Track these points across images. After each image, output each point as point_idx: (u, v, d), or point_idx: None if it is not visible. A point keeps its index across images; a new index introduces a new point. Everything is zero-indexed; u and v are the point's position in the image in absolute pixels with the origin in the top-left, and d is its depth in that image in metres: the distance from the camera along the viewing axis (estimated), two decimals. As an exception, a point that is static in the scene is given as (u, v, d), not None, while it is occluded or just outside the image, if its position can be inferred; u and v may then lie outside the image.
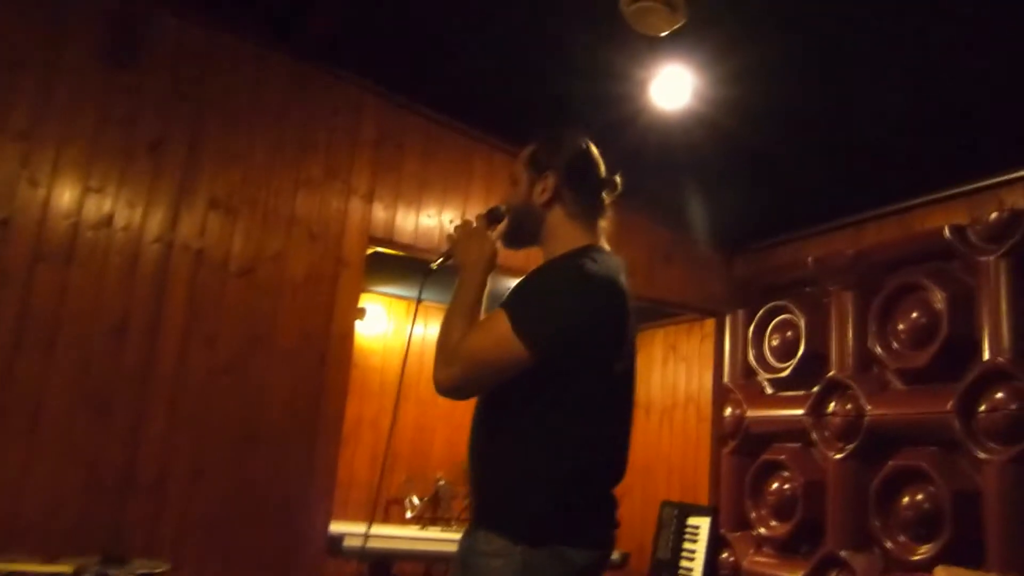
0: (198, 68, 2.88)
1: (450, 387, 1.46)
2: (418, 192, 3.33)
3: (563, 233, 1.62)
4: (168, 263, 2.73)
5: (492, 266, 1.61)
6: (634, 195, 3.86)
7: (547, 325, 1.42)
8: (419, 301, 1.84)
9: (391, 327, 4.84)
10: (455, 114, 3.42)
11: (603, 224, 1.68)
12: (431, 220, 3.29)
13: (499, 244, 1.65)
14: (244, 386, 2.83)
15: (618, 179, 1.68)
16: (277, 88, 3.03)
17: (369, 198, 3.19)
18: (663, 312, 4.49)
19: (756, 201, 3.74)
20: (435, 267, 1.72)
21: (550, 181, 1.63)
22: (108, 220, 2.65)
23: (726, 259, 4.29)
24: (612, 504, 1.52)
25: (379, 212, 3.21)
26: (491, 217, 1.70)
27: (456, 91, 3.27)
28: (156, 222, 2.73)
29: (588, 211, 1.65)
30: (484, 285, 1.59)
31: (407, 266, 3.66)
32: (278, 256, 2.95)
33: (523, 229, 1.66)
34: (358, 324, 3.30)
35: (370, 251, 3.21)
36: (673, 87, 2.93)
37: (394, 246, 3.21)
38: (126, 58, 2.72)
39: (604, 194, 1.67)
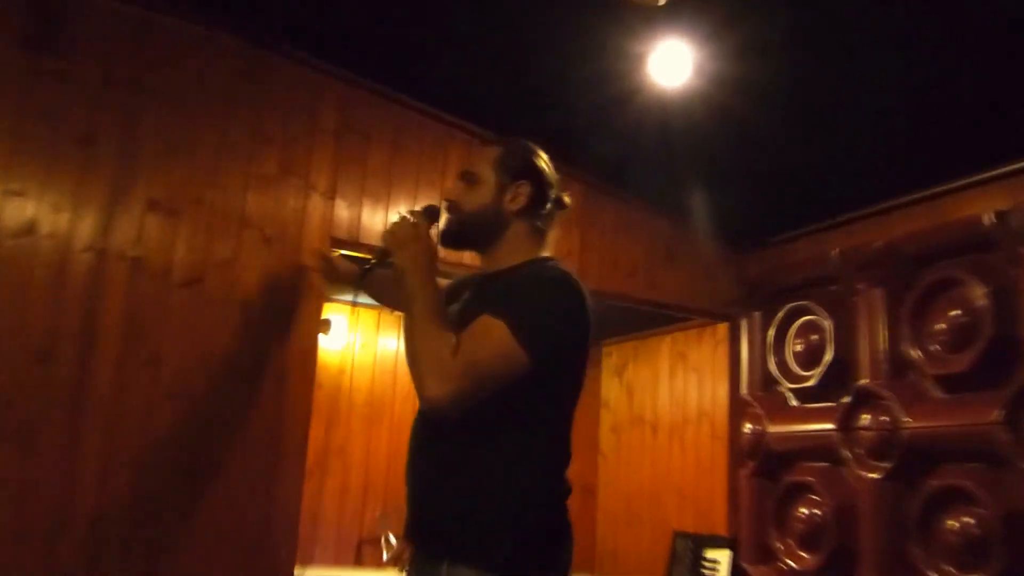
0: (133, 52, 2.85)
1: (450, 403, 1.53)
2: (386, 187, 3.31)
3: (524, 243, 1.84)
4: (101, 274, 2.71)
5: (436, 267, 1.73)
6: (631, 185, 3.95)
7: (547, 333, 1.61)
8: (354, 304, 1.94)
9: (359, 340, 4.82)
10: (427, 99, 3.41)
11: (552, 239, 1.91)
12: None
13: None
14: (192, 413, 2.80)
15: (567, 199, 1.94)
16: (224, 73, 3.01)
17: (331, 195, 3.18)
18: (669, 317, 4.50)
19: (770, 189, 3.74)
20: (372, 266, 1.85)
21: (525, 189, 1.85)
22: (30, 227, 2.62)
23: (738, 255, 4.30)
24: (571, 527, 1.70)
25: (342, 211, 3.19)
26: (429, 215, 1.84)
27: (428, 73, 3.26)
28: (86, 228, 2.70)
29: (548, 225, 1.89)
30: (438, 288, 1.70)
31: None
32: (228, 263, 2.93)
33: (480, 232, 1.85)
34: (322, 338, 3.28)
35: (333, 254, 3.19)
36: (672, 63, 2.93)
37: (360, 248, 3.19)
38: (49, 42, 2.71)
39: (556, 212, 1.91)
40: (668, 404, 4.78)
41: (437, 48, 3.10)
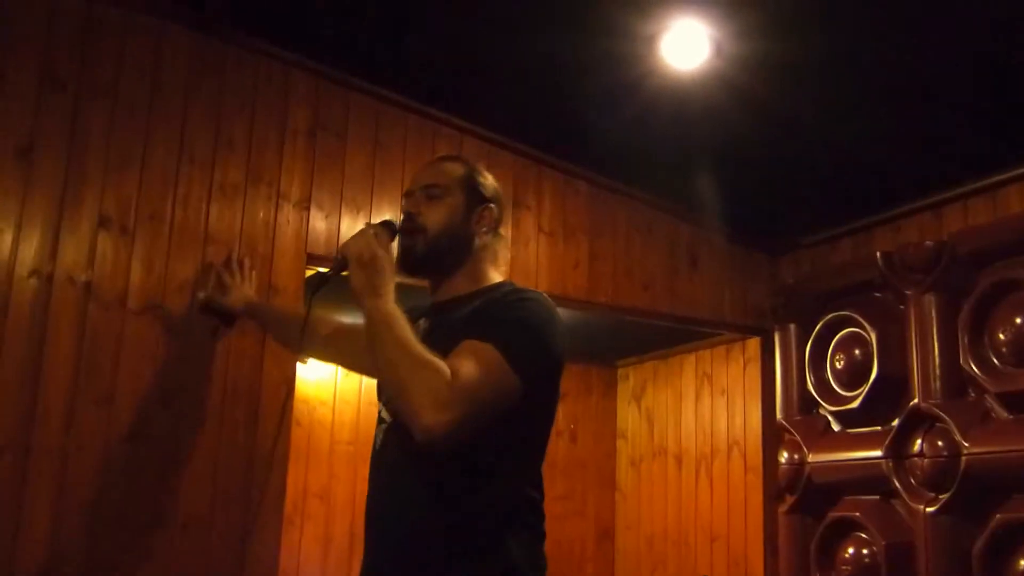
0: (75, 49, 2.86)
1: (448, 433, 1.59)
2: (366, 193, 3.32)
3: (485, 271, 1.99)
4: (48, 302, 2.70)
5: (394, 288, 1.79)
6: (645, 183, 3.97)
7: (536, 356, 1.75)
8: (307, 317, 2.06)
9: (342, 370, 4.81)
10: (411, 91, 3.41)
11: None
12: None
13: None
14: (152, 457, 2.79)
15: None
16: (179, 69, 3.02)
17: (304, 205, 3.18)
18: (692, 333, 4.50)
19: (804, 183, 3.74)
20: (325, 280, 1.90)
21: (492, 212, 2.01)
22: (-34, 250, 2.62)
23: (770, 260, 4.30)
24: None
25: (318, 222, 3.19)
26: (389, 230, 1.90)
27: (413, 60, 3.27)
28: (30, 250, 2.70)
29: (503, 253, 2.07)
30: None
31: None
32: (190, 286, 2.93)
33: (447, 255, 1.96)
34: (300, 368, 3.28)
35: (309, 272, 3.19)
36: (688, 44, 2.94)
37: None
38: None
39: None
40: (693, 432, 4.79)
41: (420, 31, 3.10)
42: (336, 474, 4.66)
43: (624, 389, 5.58)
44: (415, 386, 1.61)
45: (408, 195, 2.04)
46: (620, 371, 5.65)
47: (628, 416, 5.49)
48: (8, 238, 2.68)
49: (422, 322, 2.00)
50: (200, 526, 2.81)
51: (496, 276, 2.02)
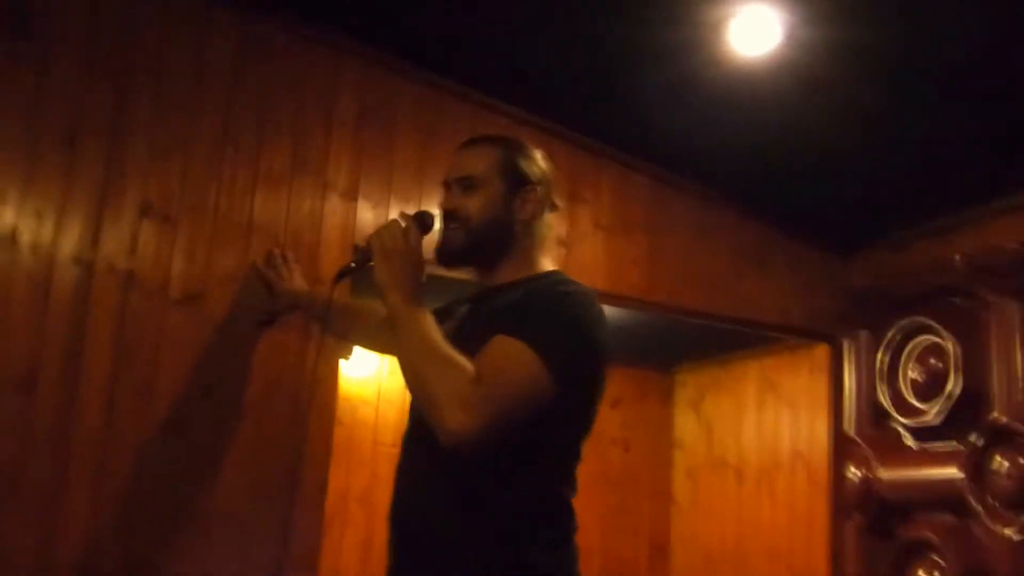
0: (120, 34, 2.97)
1: (475, 437, 1.62)
2: (417, 183, 3.41)
3: (532, 257, 2.01)
4: (89, 290, 2.83)
5: (423, 285, 1.84)
6: (710, 178, 3.99)
7: (573, 356, 1.74)
8: (329, 305, 2.13)
9: (387, 367, 4.90)
10: (464, 77, 3.49)
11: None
12: (436, 219, 3.38)
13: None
14: (192, 451, 2.91)
15: (558, 201, 2.12)
16: (225, 56, 3.13)
17: (352, 195, 3.28)
18: (755, 337, 4.51)
19: (879, 178, 3.74)
20: (348, 270, 1.98)
21: (534, 195, 2.01)
22: (11, 237, 2.75)
23: (841, 261, 4.31)
24: None
25: (366, 213, 3.28)
26: (421, 223, 1.94)
27: (466, 45, 3.34)
28: (73, 237, 2.83)
29: (549, 234, 2.07)
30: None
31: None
32: (234, 276, 3.03)
33: (490, 246, 1.99)
34: (343, 364, 3.39)
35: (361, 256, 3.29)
36: (757, 29, 2.99)
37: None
38: (22, 25, 2.82)
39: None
40: (756, 443, 4.78)
41: (474, 15, 3.16)
42: (379, 477, 4.69)
43: (682, 396, 5.57)
44: (438, 387, 1.65)
45: (445, 186, 2.07)
46: (678, 377, 5.64)
47: (686, 425, 5.48)
48: (50, 224, 2.81)
49: (464, 308, 2.05)
50: (239, 525, 2.93)
51: (546, 263, 2.04)
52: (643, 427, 5.62)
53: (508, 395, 1.66)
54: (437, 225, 2.05)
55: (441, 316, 2.05)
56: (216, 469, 2.94)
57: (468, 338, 1.80)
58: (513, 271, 1.99)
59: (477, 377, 1.64)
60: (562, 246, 3.67)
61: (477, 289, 2.07)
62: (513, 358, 1.69)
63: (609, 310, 3.92)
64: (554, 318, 1.78)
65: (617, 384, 5.49)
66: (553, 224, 2.12)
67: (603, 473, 5.39)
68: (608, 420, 5.49)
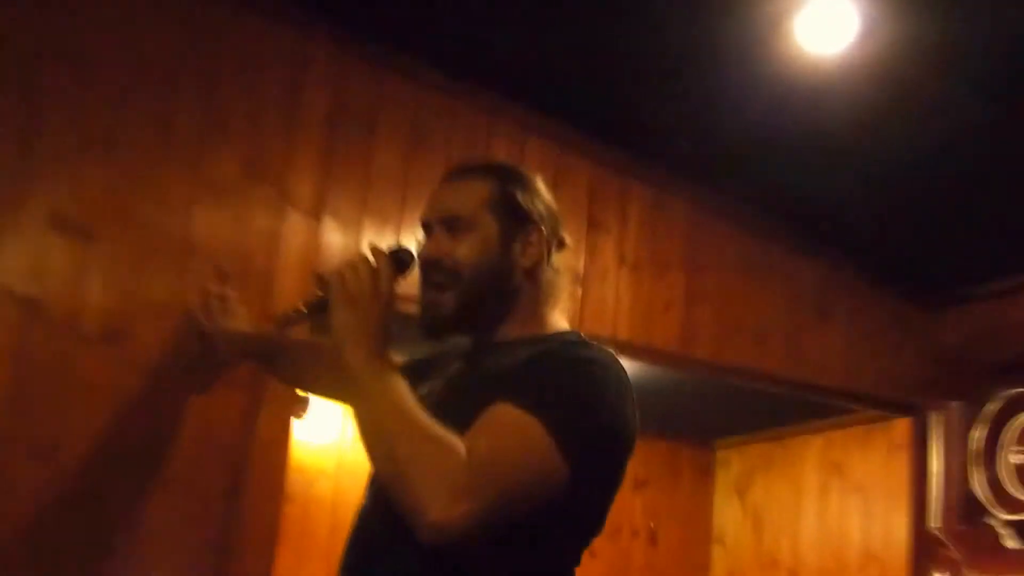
0: (34, 6, 2.92)
1: (464, 533, 1.56)
2: (397, 201, 3.37)
3: (539, 312, 1.98)
4: (-19, 323, 2.77)
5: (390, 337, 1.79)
6: (764, 203, 3.96)
7: (598, 439, 1.72)
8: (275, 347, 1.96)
9: (351, 431, 4.83)
10: (462, 70, 3.46)
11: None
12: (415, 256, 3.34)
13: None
14: (102, 532, 2.82)
15: (567, 238, 2.07)
16: (166, 34, 3.08)
17: (316, 212, 3.23)
18: (817, 406, 4.48)
19: (979, 213, 3.72)
20: (299, 316, 1.92)
21: (541, 236, 1.97)
22: None
23: (927, 315, 4.29)
24: None
25: (332, 235, 3.24)
26: (398, 261, 1.88)
27: (465, 33, 3.32)
28: (-40, 255, 2.77)
29: (559, 280, 2.03)
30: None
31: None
32: (165, 309, 2.97)
33: (487, 304, 1.94)
34: (295, 424, 3.32)
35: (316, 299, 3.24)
36: (829, 23, 2.98)
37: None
38: None
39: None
40: (815, 540, 4.76)
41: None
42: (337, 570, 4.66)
43: (724, 478, 5.56)
44: (418, 470, 1.60)
45: (425, 227, 2.01)
46: (719, 454, 5.63)
47: (728, 515, 5.46)
48: (-65, 241, 2.75)
49: (455, 365, 2.01)
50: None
51: (557, 321, 2.02)
52: (675, 516, 5.59)
53: (510, 481, 1.62)
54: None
55: (421, 372, 2.03)
56: (135, 556, 2.85)
57: (457, 404, 1.77)
58: (518, 328, 1.96)
59: (470, 457, 1.59)
60: (577, 284, 3.61)
61: (472, 343, 2.03)
62: (517, 434, 1.65)
63: (634, 367, 4.02)
64: (569, 388, 1.74)
65: (643, 461, 5.48)
66: (563, 267, 2.07)
67: (623, 572, 5.31)
68: (630, 506, 5.47)
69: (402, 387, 1.71)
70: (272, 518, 3.05)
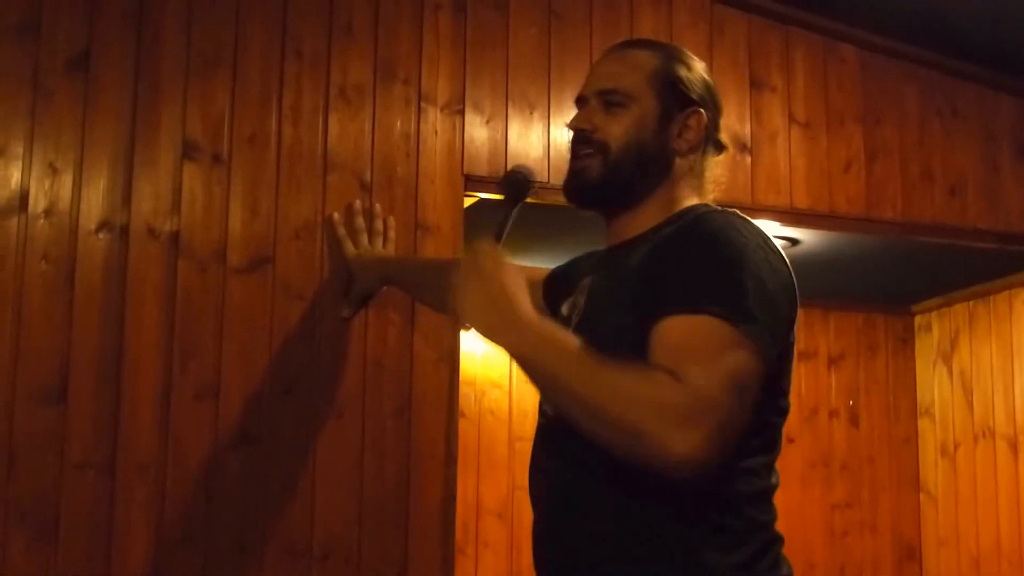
0: None
1: (714, 448, 1.59)
2: (541, 86, 3.34)
3: (686, 196, 2.01)
4: (124, 263, 2.82)
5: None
6: (944, 40, 3.82)
7: (774, 310, 1.75)
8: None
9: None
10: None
11: None
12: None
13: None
14: (271, 466, 2.89)
15: (726, 140, 2.11)
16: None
17: (457, 107, 3.21)
18: (1024, 257, 4.35)
19: None
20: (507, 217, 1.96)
21: (698, 120, 1.99)
22: (21, 201, 2.75)
23: None
24: None
25: (477, 131, 3.22)
26: (513, 189, 1.97)
27: None
28: (96, 195, 2.82)
29: (711, 177, 2.08)
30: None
31: (545, 219, 3.66)
32: (309, 230, 3.00)
33: (634, 183, 1.97)
34: (463, 337, 3.33)
35: (470, 201, 3.23)
36: None
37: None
38: None
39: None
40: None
41: None
42: (521, 483, 4.62)
43: (926, 345, 5.48)
44: (637, 413, 1.59)
45: (580, 102, 2.04)
46: (918, 319, 5.54)
47: (932, 384, 5.39)
48: (67, 182, 2.80)
49: (587, 281, 2.02)
50: (343, 556, 2.91)
51: (688, 198, 2.02)
52: (875, 391, 5.53)
53: (728, 390, 1.62)
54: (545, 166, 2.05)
55: (559, 287, 2.14)
56: (308, 489, 2.92)
57: (603, 315, 1.81)
58: (655, 219, 1.98)
59: (679, 379, 1.60)
60: (745, 152, 3.54)
61: (604, 251, 2.08)
62: (707, 340, 1.66)
63: (816, 236, 3.94)
64: (726, 270, 1.74)
65: (836, 335, 5.41)
66: (716, 169, 2.10)
67: (824, 458, 5.31)
68: (826, 384, 5.42)
69: (570, 343, 1.70)
70: (449, 437, 3.07)
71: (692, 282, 1.72)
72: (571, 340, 1.71)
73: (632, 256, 1.90)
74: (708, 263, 1.76)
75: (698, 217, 1.91)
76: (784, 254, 1.87)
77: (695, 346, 1.65)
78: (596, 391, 1.63)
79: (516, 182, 1.98)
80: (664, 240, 1.87)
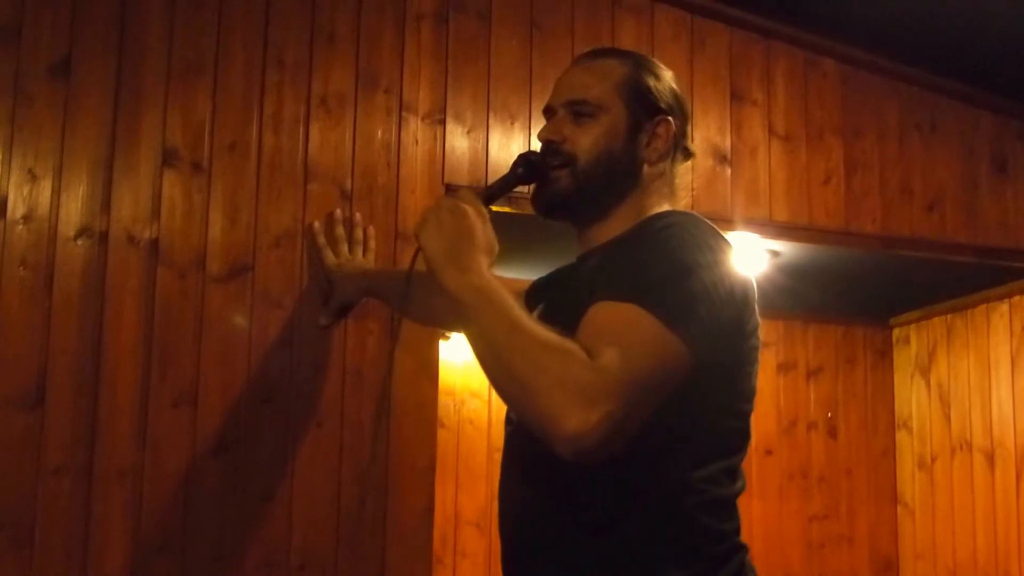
0: None
1: (604, 436, 1.56)
2: (522, 95, 3.35)
3: (651, 204, 2.00)
4: (104, 270, 2.83)
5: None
6: (924, 55, 3.81)
7: (706, 307, 1.71)
8: (410, 274, 2.00)
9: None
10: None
11: None
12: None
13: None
14: (254, 474, 2.90)
15: (692, 147, 2.12)
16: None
17: (438, 117, 3.23)
18: (1002, 271, 4.39)
19: None
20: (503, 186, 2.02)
21: (669, 129, 2.01)
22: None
23: None
24: None
25: (458, 140, 3.24)
26: (526, 164, 1.98)
27: None
28: (75, 202, 2.82)
29: (681, 184, 2.08)
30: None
31: (523, 229, 3.66)
32: (289, 238, 3.01)
33: (603, 193, 1.98)
34: (442, 347, 3.35)
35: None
36: None
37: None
38: None
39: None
40: (1011, 416, 4.68)
41: None
42: (498, 493, 4.71)
43: (904, 358, 5.49)
44: (543, 381, 1.59)
45: (548, 112, 2.04)
46: (897, 332, 5.56)
47: (910, 397, 5.41)
48: (46, 187, 2.80)
49: (550, 293, 2.06)
50: (321, 566, 2.92)
51: (655, 206, 2.03)
52: (853, 404, 5.55)
53: (636, 374, 1.61)
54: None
55: (537, 295, 2.13)
56: (287, 498, 2.93)
57: (563, 315, 1.77)
58: (621, 227, 1.98)
59: (591, 358, 1.59)
60: (725, 164, 3.56)
61: (576, 260, 2.08)
62: (625, 325, 1.66)
63: (797, 248, 3.96)
64: (660, 263, 1.75)
65: (813, 346, 5.45)
66: (686, 176, 2.11)
67: (802, 470, 5.34)
68: (805, 396, 5.44)
69: (508, 300, 1.70)
70: (428, 447, 3.09)
71: (631, 275, 1.73)
72: (514, 305, 1.70)
73: (592, 263, 1.94)
74: (651, 259, 1.76)
75: (652, 218, 1.94)
76: (731, 254, 1.85)
77: (617, 331, 1.64)
78: (514, 352, 1.63)
79: (530, 163, 1.98)
80: (616, 243, 1.91)
